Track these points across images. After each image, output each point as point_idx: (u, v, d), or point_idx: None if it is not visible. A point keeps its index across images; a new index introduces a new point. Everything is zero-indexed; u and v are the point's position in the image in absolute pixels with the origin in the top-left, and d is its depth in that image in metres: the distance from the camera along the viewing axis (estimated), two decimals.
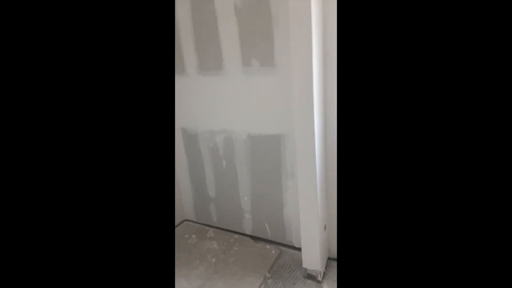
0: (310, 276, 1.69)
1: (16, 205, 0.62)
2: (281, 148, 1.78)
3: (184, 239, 2.15)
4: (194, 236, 2.19)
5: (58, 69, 0.63)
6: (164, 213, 0.70)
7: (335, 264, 1.78)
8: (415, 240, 0.64)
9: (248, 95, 1.77)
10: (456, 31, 0.59)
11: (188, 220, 2.38)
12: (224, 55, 1.76)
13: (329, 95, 1.52)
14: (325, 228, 1.72)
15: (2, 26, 0.60)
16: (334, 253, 1.81)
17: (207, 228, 2.26)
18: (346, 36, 0.65)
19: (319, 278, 1.66)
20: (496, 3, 0.56)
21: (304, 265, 1.70)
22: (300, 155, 1.50)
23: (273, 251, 1.94)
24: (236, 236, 2.14)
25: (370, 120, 0.65)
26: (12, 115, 0.61)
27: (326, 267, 1.75)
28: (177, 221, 2.32)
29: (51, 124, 0.63)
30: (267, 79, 1.67)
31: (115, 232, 0.66)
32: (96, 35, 0.64)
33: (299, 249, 1.83)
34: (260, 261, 1.87)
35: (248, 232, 2.12)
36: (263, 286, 1.66)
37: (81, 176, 0.65)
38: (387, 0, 0.62)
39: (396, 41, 0.62)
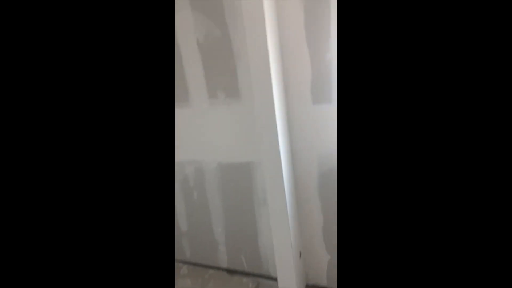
0: None
1: (14, 211, 0.60)
2: (252, 175, 1.78)
3: None
4: None
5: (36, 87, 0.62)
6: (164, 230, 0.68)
7: None
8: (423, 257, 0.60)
9: (216, 125, 1.78)
10: (456, 30, 0.57)
11: None
12: (190, 87, 1.77)
13: (293, 121, 1.58)
14: (300, 255, 1.70)
15: (2, 26, 0.59)
16: (312, 279, 1.78)
17: (180, 265, 2.14)
18: (346, 38, 0.63)
19: None
20: (496, 3, 0.55)
21: None
22: (269, 183, 1.51)
23: (250, 284, 1.87)
24: (211, 271, 2.04)
25: (374, 128, 0.60)
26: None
27: None
28: None
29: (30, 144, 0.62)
30: (233, 110, 1.70)
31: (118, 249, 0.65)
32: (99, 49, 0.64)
33: (277, 279, 1.77)
34: None
35: (224, 265, 2.03)
36: None
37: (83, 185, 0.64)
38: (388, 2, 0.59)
39: (401, 43, 0.59)
